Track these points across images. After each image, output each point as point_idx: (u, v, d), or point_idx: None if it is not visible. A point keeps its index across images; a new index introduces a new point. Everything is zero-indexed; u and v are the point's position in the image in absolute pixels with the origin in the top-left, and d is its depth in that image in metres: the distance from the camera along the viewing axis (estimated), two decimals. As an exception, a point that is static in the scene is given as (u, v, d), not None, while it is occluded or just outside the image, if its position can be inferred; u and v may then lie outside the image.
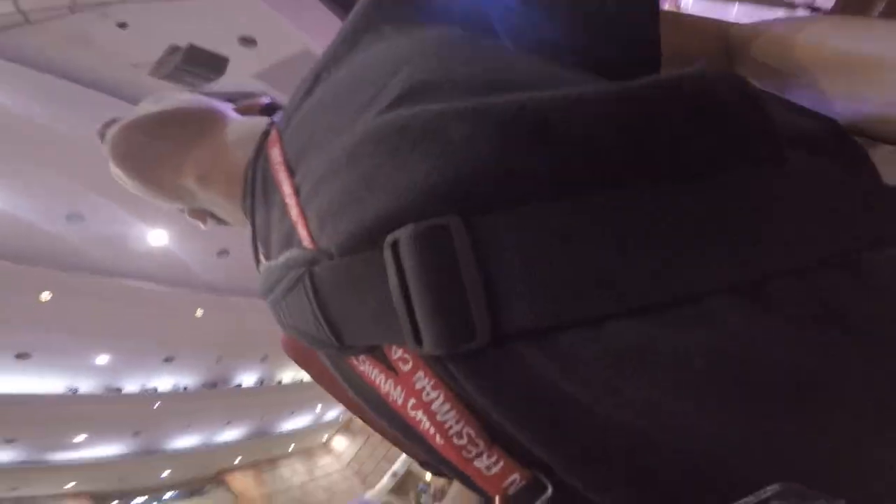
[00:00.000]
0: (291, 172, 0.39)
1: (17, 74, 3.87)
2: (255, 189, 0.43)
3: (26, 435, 7.02)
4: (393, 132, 0.29)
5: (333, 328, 0.32)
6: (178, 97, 0.54)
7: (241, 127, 0.51)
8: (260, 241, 0.44)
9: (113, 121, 0.53)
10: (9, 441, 6.95)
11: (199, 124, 0.51)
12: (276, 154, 0.41)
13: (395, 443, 0.40)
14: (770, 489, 0.21)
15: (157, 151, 0.51)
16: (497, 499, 0.27)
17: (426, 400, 0.29)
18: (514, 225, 0.25)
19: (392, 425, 0.34)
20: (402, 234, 0.26)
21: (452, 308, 0.26)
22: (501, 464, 0.27)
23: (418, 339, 0.27)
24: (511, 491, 0.27)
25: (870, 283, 0.24)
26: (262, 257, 0.44)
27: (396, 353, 0.30)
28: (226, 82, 3.23)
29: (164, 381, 8.29)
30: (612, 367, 0.23)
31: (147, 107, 0.53)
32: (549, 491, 0.26)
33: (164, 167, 0.51)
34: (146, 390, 8.10)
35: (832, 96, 0.31)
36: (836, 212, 0.26)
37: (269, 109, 0.57)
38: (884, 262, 0.24)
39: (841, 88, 0.31)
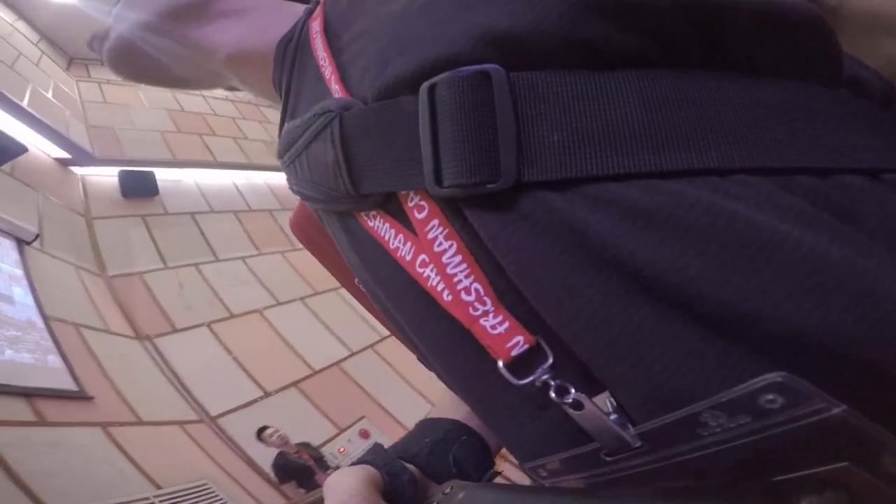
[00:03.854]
0: (330, 39, 0.38)
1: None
2: (288, 62, 0.43)
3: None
4: None
5: (353, 174, 0.32)
6: None
7: (273, 4, 0.49)
8: (289, 114, 0.43)
9: (104, 33, 0.51)
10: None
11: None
12: (316, 25, 0.40)
13: (394, 331, 0.40)
14: (770, 377, 0.20)
15: (171, 51, 0.49)
16: (500, 361, 0.27)
17: (437, 251, 0.28)
18: (555, 84, 0.25)
19: (389, 292, 0.34)
20: (441, 78, 0.26)
21: (480, 147, 0.25)
22: (507, 324, 0.27)
23: (439, 179, 0.27)
24: (514, 352, 0.27)
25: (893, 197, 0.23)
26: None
27: (413, 200, 0.29)
28: None
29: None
30: (633, 220, 0.23)
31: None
32: (551, 359, 0.26)
33: (184, 60, 0.50)
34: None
35: None
36: (867, 132, 0.26)
37: None
38: None
39: None
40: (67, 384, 1.94)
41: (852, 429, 0.20)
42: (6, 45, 3.67)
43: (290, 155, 0.37)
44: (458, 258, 0.28)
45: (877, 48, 0.32)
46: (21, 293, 2.20)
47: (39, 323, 2.13)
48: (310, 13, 0.43)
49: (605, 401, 0.26)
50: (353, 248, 0.36)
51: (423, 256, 0.29)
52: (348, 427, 2.58)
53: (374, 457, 0.35)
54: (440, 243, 0.28)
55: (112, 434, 1.90)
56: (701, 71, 0.26)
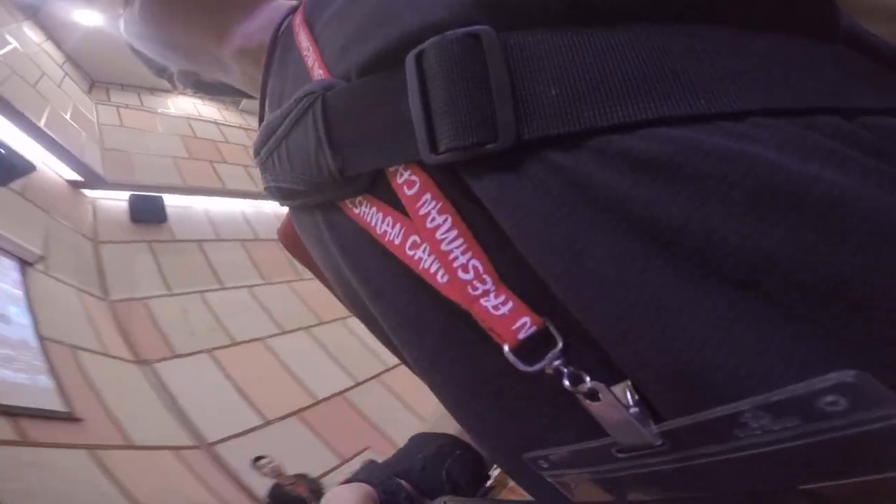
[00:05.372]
0: (311, 25, 0.37)
1: None
2: (275, 58, 0.42)
3: None
4: None
5: (337, 157, 0.30)
6: None
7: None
8: (270, 109, 0.41)
9: None
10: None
11: None
12: (298, 18, 0.39)
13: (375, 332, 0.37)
14: (834, 377, 0.17)
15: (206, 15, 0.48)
16: (506, 346, 0.24)
17: (430, 227, 0.26)
18: (548, 40, 0.24)
19: (376, 286, 0.31)
20: (430, 43, 0.25)
21: (476, 107, 0.24)
22: (511, 304, 0.24)
23: (434, 146, 0.25)
24: (521, 335, 0.24)
25: None
26: None
27: (402, 176, 0.28)
28: None
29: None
30: (645, 171, 0.21)
31: None
32: (560, 343, 0.23)
33: (203, 33, 0.48)
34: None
35: None
36: (871, 79, 0.25)
37: None
38: None
39: None
40: (56, 405, 1.91)
41: None
42: (31, 65, 3.82)
43: (269, 148, 0.35)
44: (454, 233, 0.26)
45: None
46: (18, 313, 2.20)
47: (33, 343, 2.12)
48: (294, 9, 0.43)
49: (624, 391, 0.23)
50: (336, 243, 0.33)
51: (413, 237, 0.27)
52: (352, 457, 2.51)
53: (370, 475, 0.34)
54: (433, 218, 0.26)
55: (99, 457, 1.86)
56: (698, 25, 0.24)
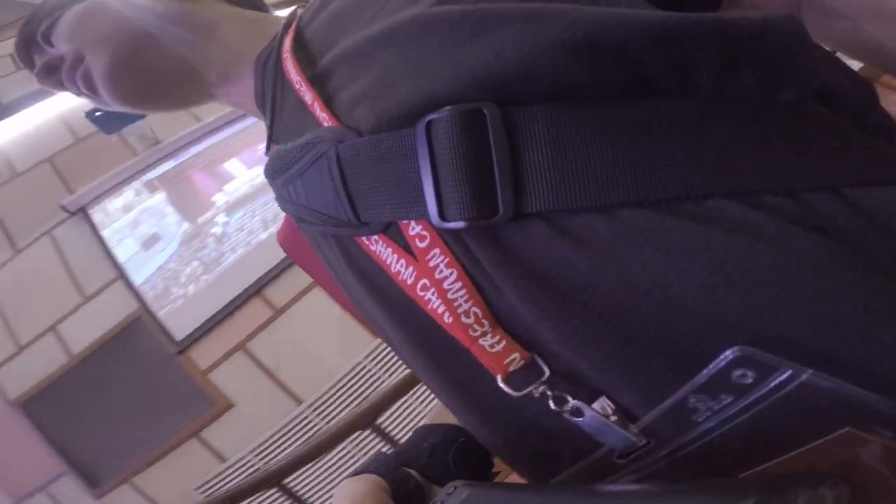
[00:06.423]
0: (302, 59, 0.39)
1: None
2: (270, 79, 0.42)
3: None
4: (449, 22, 0.30)
5: (353, 203, 0.33)
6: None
7: (242, 17, 0.49)
8: (275, 130, 0.43)
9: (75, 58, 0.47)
10: None
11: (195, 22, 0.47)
12: (287, 43, 0.41)
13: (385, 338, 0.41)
14: (728, 353, 0.22)
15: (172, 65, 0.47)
16: (499, 377, 0.28)
17: (439, 277, 0.30)
18: (547, 118, 0.27)
19: (391, 314, 0.35)
20: (440, 115, 0.28)
21: (480, 183, 0.27)
22: (504, 343, 0.29)
23: (442, 212, 0.28)
24: (511, 368, 0.28)
25: (858, 209, 0.25)
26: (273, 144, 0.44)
27: (414, 230, 0.30)
28: None
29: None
30: (621, 245, 0.25)
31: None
32: (547, 374, 0.28)
33: (178, 82, 0.49)
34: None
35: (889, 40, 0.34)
36: (833, 150, 0.28)
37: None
38: (869, 198, 0.25)
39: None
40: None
41: (827, 391, 0.21)
42: None
43: (285, 179, 0.38)
44: (459, 284, 0.29)
45: (859, 32, 0.34)
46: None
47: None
48: (287, 27, 0.43)
49: (603, 405, 0.28)
50: (353, 271, 0.36)
51: (424, 280, 0.30)
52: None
53: (378, 465, 0.35)
54: (441, 271, 0.30)
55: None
56: (676, 101, 0.27)
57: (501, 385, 0.28)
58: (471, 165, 0.27)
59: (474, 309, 0.29)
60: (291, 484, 1.46)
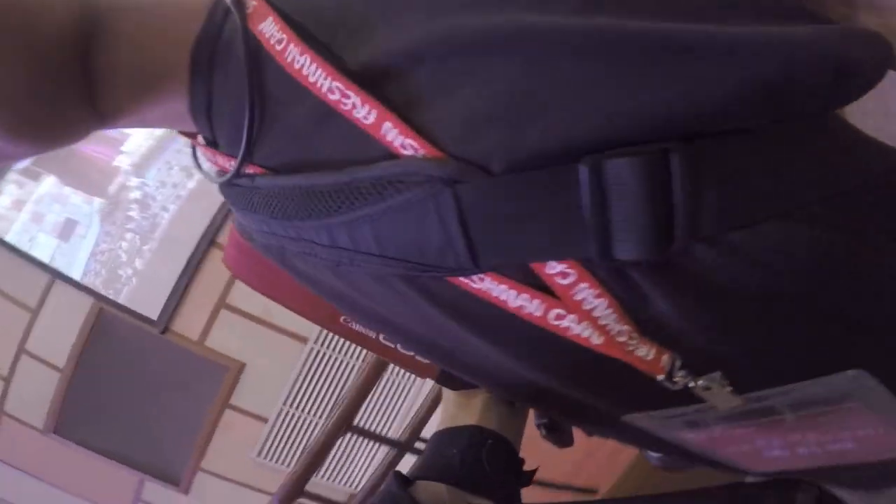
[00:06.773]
0: (327, 50, 0.31)
1: None
2: (229, 80, 0.34)
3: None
4: (615, 44, 0.27)
5: (473, 250, 0.30)
6: None
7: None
8: (223, 144, 0.36)
9: None
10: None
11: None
12: (269, 28, 0.32)
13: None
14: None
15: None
16: (660, 377, 0.33)
17: (587, 308, 0.30)
18: (719, 152, 0.27)
19: (509, 345, 0.36)
20: (617, 162, 0.26)
21: (657, 221, 0.27)
22: (654, 350, 0.33)
23: (608, 250, 0.28)
24: (666, 368, 0.33)
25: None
26: (228, 164, 0.35)
27: (554, 269, 0.30)
28: None
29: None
30: (767, 256, 0.29)
31: None
32: (680, 363, 0.33)
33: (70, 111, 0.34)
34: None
35: None
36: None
37: None
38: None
39: None
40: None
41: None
42: None
43: (326, 224, 0.33)
44: (610, 311, 0.31)
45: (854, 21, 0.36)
46: None
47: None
48: (239, 4, 0.33)
49: (720, 379, 0.35)
50: (448, 311, 0.35)
51: (556, 311, 0.31)
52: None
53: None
54: (589, 301, 0.30)
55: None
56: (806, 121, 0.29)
57: (662, 382, 0.34)
58: (651, 206, 0.27)
59: (625, 327, 0.31)
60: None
